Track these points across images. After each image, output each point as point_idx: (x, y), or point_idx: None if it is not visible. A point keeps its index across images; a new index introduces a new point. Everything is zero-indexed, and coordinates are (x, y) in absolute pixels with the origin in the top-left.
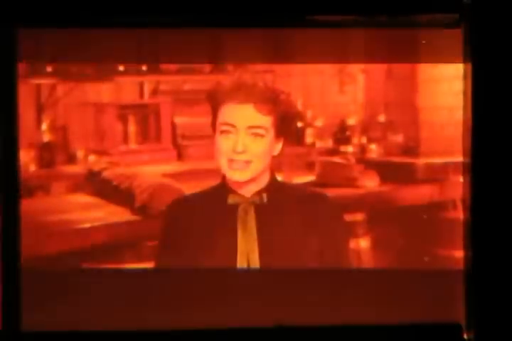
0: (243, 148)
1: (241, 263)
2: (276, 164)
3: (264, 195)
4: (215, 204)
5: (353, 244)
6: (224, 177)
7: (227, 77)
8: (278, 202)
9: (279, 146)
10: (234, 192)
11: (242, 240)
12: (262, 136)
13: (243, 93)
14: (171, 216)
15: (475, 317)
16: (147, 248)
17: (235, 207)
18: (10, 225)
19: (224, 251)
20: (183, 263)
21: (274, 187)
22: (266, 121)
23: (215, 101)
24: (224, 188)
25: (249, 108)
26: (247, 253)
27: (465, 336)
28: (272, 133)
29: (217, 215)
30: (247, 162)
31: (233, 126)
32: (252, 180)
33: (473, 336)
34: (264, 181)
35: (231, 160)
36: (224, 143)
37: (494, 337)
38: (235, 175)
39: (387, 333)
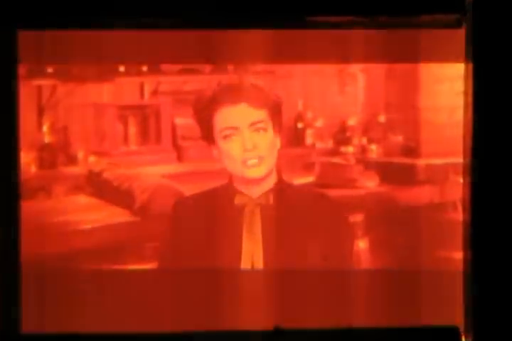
0: (252, 145)
1: (245, 264)
2: (276, 165)
3: (271, 196)
4: (221, 204)
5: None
6: (230, 177)
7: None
8: (284, 204)
9: (278, 139)
10: (240, 192)
11: (247, 241)
12: (264, 129)
13: (233, 94)
14: (176, 215)
15: (473, 320)
16: (147, 249)
17: (240, 208)
18: (10, 226)
19: (228, 252)
20: (187, 263)
21: (280, 188)
22: (263, 114)
23: (206, 111)
24: (230, 189)
25: (244, 106)
26: (252, 255)
27: (463, 339)
28: (271, 125)
29: (223, 215)
30: (261, 158)
31: (235, 128)
32: (265, 177)
33: (471, 339)
34: (271, 181)
35: (245, 160)
36: (231, 147)
37: (492, 340)
38: (251, 173)
39: (384, 336)
